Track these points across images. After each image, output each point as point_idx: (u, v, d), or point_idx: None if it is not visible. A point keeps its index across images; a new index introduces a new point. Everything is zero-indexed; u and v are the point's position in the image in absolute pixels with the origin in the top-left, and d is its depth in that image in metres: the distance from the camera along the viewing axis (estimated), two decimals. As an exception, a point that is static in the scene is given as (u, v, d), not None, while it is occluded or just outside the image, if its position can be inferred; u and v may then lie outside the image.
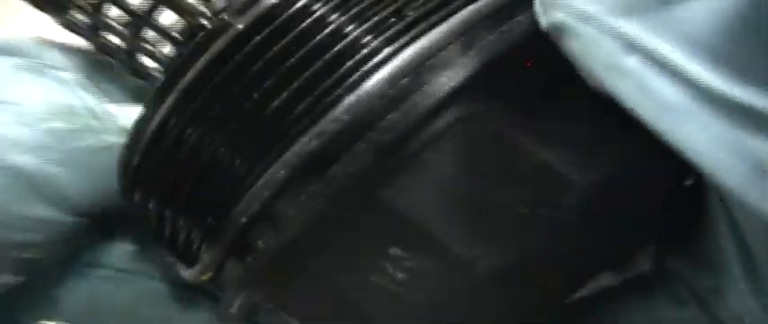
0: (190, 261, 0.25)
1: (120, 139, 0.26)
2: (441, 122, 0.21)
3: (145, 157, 0.25)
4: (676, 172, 0.23)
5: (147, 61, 0.29)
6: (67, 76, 0.30)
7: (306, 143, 0.21)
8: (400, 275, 0.22)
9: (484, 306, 0.24)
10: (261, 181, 0.22)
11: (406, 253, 0.22)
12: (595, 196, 0.22)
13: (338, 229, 0.22)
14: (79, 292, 0.31)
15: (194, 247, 0.25)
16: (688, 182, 0.25)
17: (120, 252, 0.32)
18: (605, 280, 0.26)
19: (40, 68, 0.29)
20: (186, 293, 0.30)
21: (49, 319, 0.32)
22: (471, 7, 0.22)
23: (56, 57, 0.30)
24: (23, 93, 0.28)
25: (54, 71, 0.29)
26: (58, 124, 0.27)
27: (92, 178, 0.28)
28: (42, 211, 0.27)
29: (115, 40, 0.29)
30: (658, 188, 0.25)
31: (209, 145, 0.23)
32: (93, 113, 0.29)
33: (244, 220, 0.22)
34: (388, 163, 0.21)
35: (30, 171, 0.27)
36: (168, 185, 0.25)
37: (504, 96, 0.22)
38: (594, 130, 0.22)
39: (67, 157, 0.27)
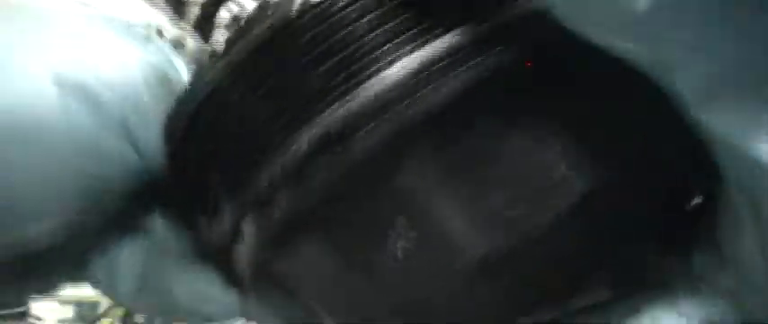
0: (214, 218, 0.28)
1: None
2: (448, 115, 0.24)
3: (192, 120, 0.28)
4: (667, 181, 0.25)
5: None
6: (163, 43, 0.34)
7: (329, 115, 0.24)
8: (404, 244, 0.24)
9: (479, 296, 0.25)
10: (290, 145, 0.25)
11: (410, 225, 0.24)
12: (588, 199, 0.24)
13: (352, 197, 0.24)
14: (112, 257, 0.34)
15: (220, 204, 0.27)
16: (696, 201, 0.26)
17: (158, 223, 0.34)
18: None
19: (146, 37, 0.33)
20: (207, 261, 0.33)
21: (79, 280, 0.35)
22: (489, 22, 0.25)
23: (155, 30, 0.34)
24: (131, 55, 0.31)
25: (154, 41, 0.33)
26: (159, 89, 0.31)
27: None
28: (124, 149, 0.30)
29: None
30: (655, 193, 0.26)
31: (250, 111, 0.26)
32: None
33: (269, 178, 0.25)
34: (400, 144, 0.24)
35: (121, 114, 0.30)
36: (209, 148, 0.27)
37: (509, 98, 0.24)
38: (589, 132, 0.24)
39: (156, 115, 0.30)
